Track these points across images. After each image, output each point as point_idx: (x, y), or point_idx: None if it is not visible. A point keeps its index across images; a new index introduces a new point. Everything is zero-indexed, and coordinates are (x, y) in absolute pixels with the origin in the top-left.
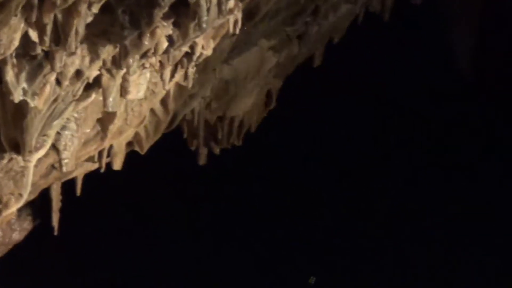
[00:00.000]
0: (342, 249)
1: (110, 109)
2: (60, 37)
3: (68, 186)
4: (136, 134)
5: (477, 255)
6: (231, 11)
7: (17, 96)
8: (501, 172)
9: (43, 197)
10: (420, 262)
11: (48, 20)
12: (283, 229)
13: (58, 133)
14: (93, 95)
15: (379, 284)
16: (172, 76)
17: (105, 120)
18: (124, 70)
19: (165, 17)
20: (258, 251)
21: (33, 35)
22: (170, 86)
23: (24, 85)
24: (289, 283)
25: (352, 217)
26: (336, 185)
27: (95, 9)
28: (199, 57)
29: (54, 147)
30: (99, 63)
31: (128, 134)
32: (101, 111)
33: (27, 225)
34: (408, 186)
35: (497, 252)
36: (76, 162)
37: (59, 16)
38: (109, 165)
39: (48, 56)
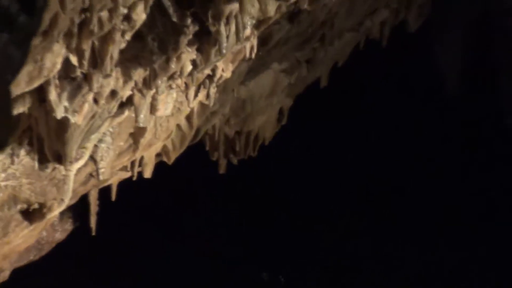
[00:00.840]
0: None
1: (141, 125)
2: (97, 61)
3: (104, 192)
4: (164, 147)
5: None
6: (247, 38)
7: (59, 113)
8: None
9: (82, 201)
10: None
11: (87, 46)
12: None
13: (95, 146)
14: (126, 112)
15: None
16: (196, 95)
17: (136, 134)
18: (154, 90)
19: (190, 43)
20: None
21: (73, 59)
22: (194, 104)
23: (65, 103)
24: None
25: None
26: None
27: (128, 36)
28: (219, 78)
29: (92, 158)
30: (131, 84)
31: (157, 147)
32: (133, 126)
33: (68, 226)
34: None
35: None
36: (111, 171)
37: (96, 42)
38: (140, 174)
39: (86, 78)
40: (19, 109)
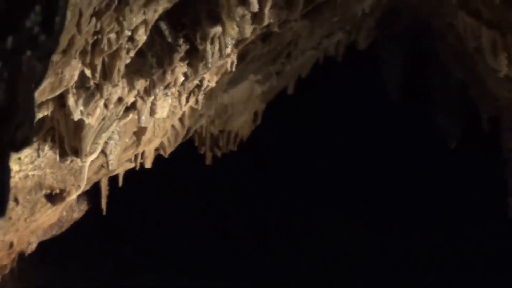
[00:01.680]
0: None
1: (142, 125)
2: (107, 74)
3: (113, 179)
4: (161, 143)
5: None
6: (228, 55)
7: (76, 116)
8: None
9: (95, 187)
10: None
11: (98, 61)
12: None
13: (105, 142)
14: (131, 115)
15: None
16: (187, 101)
17: (139, 132)
18: (153, 97)
19: (182, 59)
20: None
21: (87, 72)
22: (185, 108)
23: (81, 108)
24: None
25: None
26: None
27: (132, 54)
28: (206, 87)
29: (103, 152)
30: (134, 92)
31: (156, 143)
32: (136, 126)
33: (83, 207)
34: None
35: None
36: (118, 163)
37: (106, 59)
38: (142, 164)
39: (98, 87)
40: (44, 112)
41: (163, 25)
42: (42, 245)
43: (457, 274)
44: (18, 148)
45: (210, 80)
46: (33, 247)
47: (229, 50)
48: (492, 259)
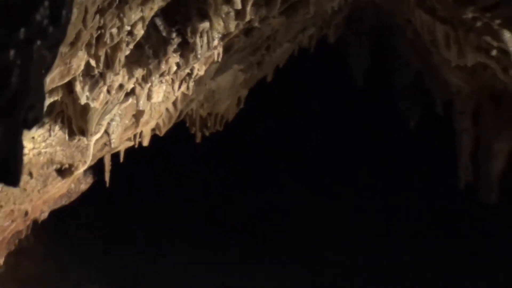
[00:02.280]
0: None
1: (141, 108)
2: (109, 63)
3: (115, 156)
4: (157, 124)
5: None
6: (215, 47)
7: (83, 100)
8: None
9: (99, 162)
10: None
11: (102, 53)
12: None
13: (108, 123)
14: (130, 100)
15: None
16: (179, 87)
17: (137, 115)
18: (149, 84)
19: (175, 51)
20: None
21: (92, 62)
22: (178, 94)
23: (87, 93)
24: None
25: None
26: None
27: (131, 46)
28: (196, 75)
29: (106, 132)
30: (133, 79)
31: (152, 124)
32: (135, 109)
33: (89, 180)
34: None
35: None
36: (119, 141)
37: (109, 50)
38: (140, 143)
39: (102, 75)
40: (54, 97)
41: (158, 21)
42: (53, 213)
43: (413, 242)
44: (30, 126)
45: (199, 69)
46: (45, 215)
47: (216, 43)
48: (443, 221)
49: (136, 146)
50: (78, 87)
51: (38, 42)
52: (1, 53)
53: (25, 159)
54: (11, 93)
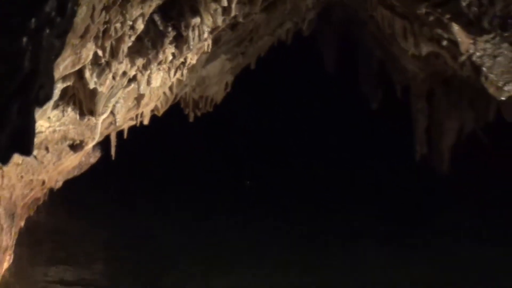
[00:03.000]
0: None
1: (141, 92)
2: (114, 53)
3: (119, 133)
4: (156, 105)
5: None
6: (205, 39)
7: (92, 85)
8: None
9: (106, 139)
10: None
11: (107, 44)
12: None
13: (113, 105)
14: (132, 85)
15: None
16: (175, 74)
17: (139, 98)
18: (149, 71)
19: (170, 42)
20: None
21: (99, 52)
22: (174, 79)
23: (95, 79)
24: None
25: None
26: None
27: (133, 38)
28: (189, 64)
29: (112, 112)
30: (135, 67)
31: (151, 105)
32: (136, 93)
33: (98, 154)
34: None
35: None
36: (123, 120)
37: (113, 42)
38: (141, 122)
39: (108, 64)
40: (67, 83)
41: (156, 17)
42: (66, 183)
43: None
44: (41, 104)
45: (192, 58)
46: (60, 184)
47: (206, 35)
48: (401, 188)
49: (138, 124)
50: (87, 74)
51: (47, 31)
52: (15, 40)
53: (42, 136)
54: (24, 75)
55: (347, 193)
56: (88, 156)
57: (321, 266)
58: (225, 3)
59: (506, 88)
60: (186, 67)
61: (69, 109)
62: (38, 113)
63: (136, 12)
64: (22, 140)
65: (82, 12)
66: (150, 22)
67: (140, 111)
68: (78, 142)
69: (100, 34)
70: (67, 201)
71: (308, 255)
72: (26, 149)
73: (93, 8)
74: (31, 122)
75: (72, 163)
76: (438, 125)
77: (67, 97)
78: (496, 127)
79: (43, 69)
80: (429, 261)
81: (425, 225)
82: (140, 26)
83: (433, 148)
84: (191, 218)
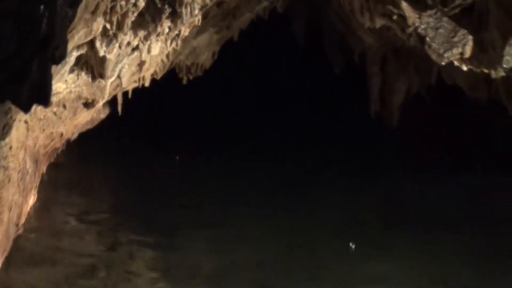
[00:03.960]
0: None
1: (143, 59)
2: (120, 26)
3: (125, 93)
4: (155, 70)
5: None
6: (196, 15)
7: (101, 53)
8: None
9: (114, 98)
10: None
11: (114, 19)
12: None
13: (120, 70)
14: (136, 53)
15: None
16: (171, 44)
17: (141, 64)
18: (149, 41)
19: (167, 18)
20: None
21: (108, 26)
22: (170, 49)
23: (104, 48)
24: None
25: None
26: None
27: (135, 14)
28: (182, 35)
29: (118, 76)
30: (137, 38)
31: (151, 70)
32: (139, 60)
33: (107, 110)
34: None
35: None
36: (128, 83)
37: (119, 17)
38: (143, 84)
39: (115, 35)
40: (81, 51)
41: None
42: (80, 135)
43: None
44: (57, 62)
45: (184, 31)
46: (75, 136)
47: (196, 12)
48: (359, 140)
49: (140, 86)
50: (97, 44)
51: (61, 0)
52: (33, 7)
53: (60, 96)
54: (41, 37)
55: (314, 140)
56: (98, 112)
57: (284, 205)
58: None
59: (445, 55)
60: (180, 38)
61: (83, 73)
62: (56, 76)
63: None
64: (41, 93)
65: None
66: (150, 1)
67: (142, 75)
68: (90, 101)
69: (108, 10)
70: (81, 150)
71: (279, 195)
72: (44, 101)
73: None
74: (48, 77)
75: (85, 119)
76: (389, 87)
77: (81, 63)
78: (437, 88)
79: (58, 33)
80: (380, 192)
81: (377, 166)
82: (142, 3)
83: (385, 106)
84: (180, 163)
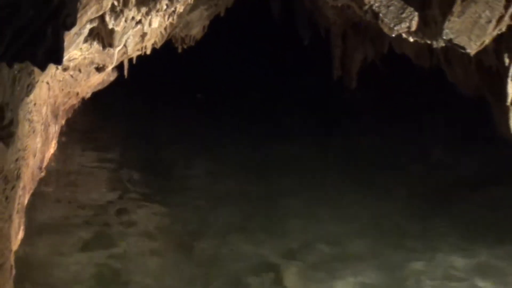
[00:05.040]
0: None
1: (145, 31)
2: (125, 3)
3: (130, 60)
4: (155, 41)
5: None
6: None
7: (110, 26)
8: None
9: (121, 64)
10: None
11: None
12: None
13: (126, 40)
14: (139, 26)
15: None
16: (168, 19)
17: (143, 35)
18: (150, 16)
19: None
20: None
21: (115, 3)
22: (167, 23)
23: (113, 22)
24: None
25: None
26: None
27: None
28: (178, 12)
29: (124, 45)
30: (140, 14)
31: (152, 41)
32: (142, 32)
33: (115, 74)
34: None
35: None
36: (133, 51)
37: None
38: (145, 52)
39: (121, 11)
40: (93, 24)
41: None
42: (93, 94)
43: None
44: (69, 28)
45: (179, 8)
46: (89, 95)
47: None
48: (323, 100)
49: (143, 54)
50: (107, 18)
51: None
52: None
53: (76, 61)
54: (54, 5)
55: (288, 98)
56: (108, 75)
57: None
58: None
59: (395, 28)
60: (175, 14)
61: (95, 43)
62: (72, 45)
63: None
64: (54, 54)
65: None
66: None
67: (144, 44)
68: (101, 65)
69: None
70: (94, 107)
71: (249, 151)
72: (58, 61)
73: None
74: (61, 41)
75: (97, 80)
76: (349, 56)
77: (93, 34)
78: (388, 57)
79: (68, 3)
80: (339, 139)
81: (339, 122)
82: None
83: (345, 72)
84: (178, 117)
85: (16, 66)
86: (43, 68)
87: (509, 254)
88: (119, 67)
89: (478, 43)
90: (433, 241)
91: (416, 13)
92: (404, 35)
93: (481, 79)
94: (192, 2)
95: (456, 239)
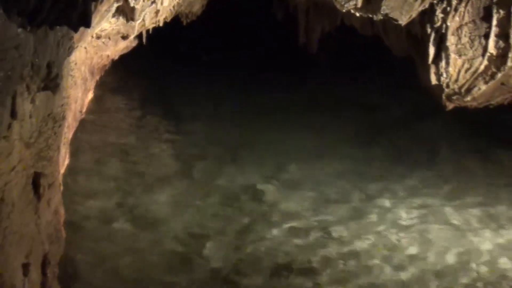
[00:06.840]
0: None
1: (158, 9)
2: None
3: (147, 30)
4: (166, 16)
5: None
6: None
7: (132, 5)
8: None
9: (140, 33)
10: None
11: None
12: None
13: (144, 15)
14: (153, 5)
15: None
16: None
17: (157, 12)
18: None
19: None
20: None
21: None
22: (175, 2)
23: (134, 1)
24: None
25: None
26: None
27: None
28: None
29: (143, 19)
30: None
31: (164, 16)
32: (156, 9)
33: (136, 41)
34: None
35: None
36: (149, 23)
37: None
38: (159, 25)
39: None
40: (119, 3)
41: None
42: (120, 56)
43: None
44: None
45: None
46: (117, 57)
47: None
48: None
49: (157, 26)
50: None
51: None
52: None
53: (106, 31)
54: None
55: (265, 63)
56: (131, 42)
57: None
58: None
59: (345, 5)
60: None
61: (120, 17)
62: (103, 20)
63: None
64: (84, 19)
65: None
66: None
67: (158, 19)
68: (125, 35)
69: None
70: (121, 67)
71: (241, 98)
72: (87, 24)
73: None
74: (89, 9)
75: (123, 46)
76: (311, 27)
77: (119, 11)
78: (340, 28)
79: None
80: (303, 89)
81: (305, 76)
82: None
83: (308, 40)
84: (187, 74)
85: (60, 33)
86: (76, 30)
87: (420, 177)
88: (139, 36)
89: (408, 17)
90: (362, 166)
91: None
92: (352, 11)
93: (410, 44)
94: None
95: (381, 164)
